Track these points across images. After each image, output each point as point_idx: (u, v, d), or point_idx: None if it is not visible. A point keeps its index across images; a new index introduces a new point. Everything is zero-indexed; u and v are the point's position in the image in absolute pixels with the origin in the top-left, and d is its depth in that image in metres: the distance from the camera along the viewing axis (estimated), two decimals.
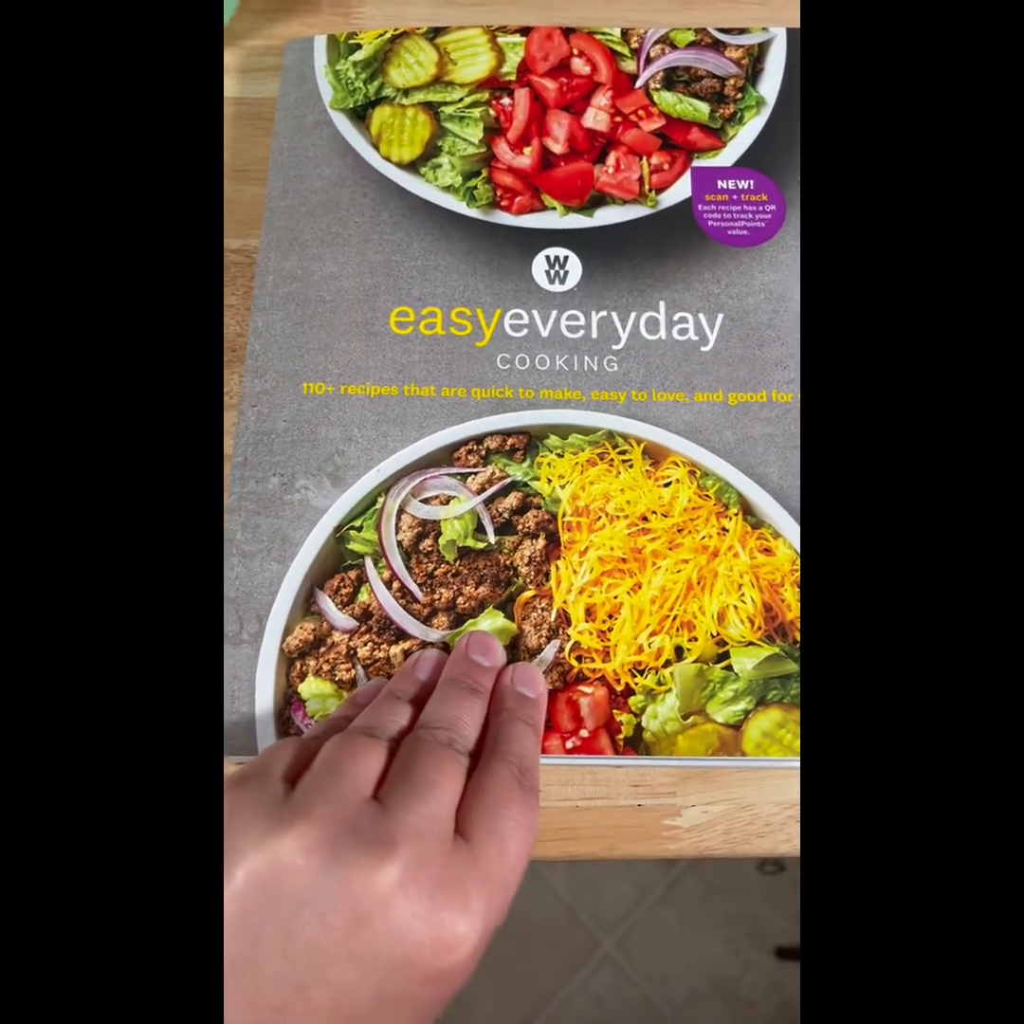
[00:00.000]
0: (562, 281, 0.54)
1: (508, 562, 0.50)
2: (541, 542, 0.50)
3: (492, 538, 0.50)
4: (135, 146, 0.35)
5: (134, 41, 0.35)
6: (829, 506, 0.34)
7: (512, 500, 0.50)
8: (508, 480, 0.51)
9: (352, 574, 0.50)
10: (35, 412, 0.32)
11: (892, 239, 0.35)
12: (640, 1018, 1.51)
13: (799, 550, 0.49)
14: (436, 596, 0.49)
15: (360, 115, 0.57)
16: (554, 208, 0.56)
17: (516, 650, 0.48)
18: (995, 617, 0.32)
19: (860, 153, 0.35)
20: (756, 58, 0.58)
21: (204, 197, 0.35)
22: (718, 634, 0.48)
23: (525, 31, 0.58)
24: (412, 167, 0.56)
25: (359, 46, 0.58)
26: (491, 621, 0.48)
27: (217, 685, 0.46)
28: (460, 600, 0.49)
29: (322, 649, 0.48)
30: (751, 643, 0.48)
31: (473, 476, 0.51)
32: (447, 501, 0.50)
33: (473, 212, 0.55)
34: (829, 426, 0.34)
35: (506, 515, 0.50)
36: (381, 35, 0.58)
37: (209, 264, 0.36)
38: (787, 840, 0.47)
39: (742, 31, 0.59)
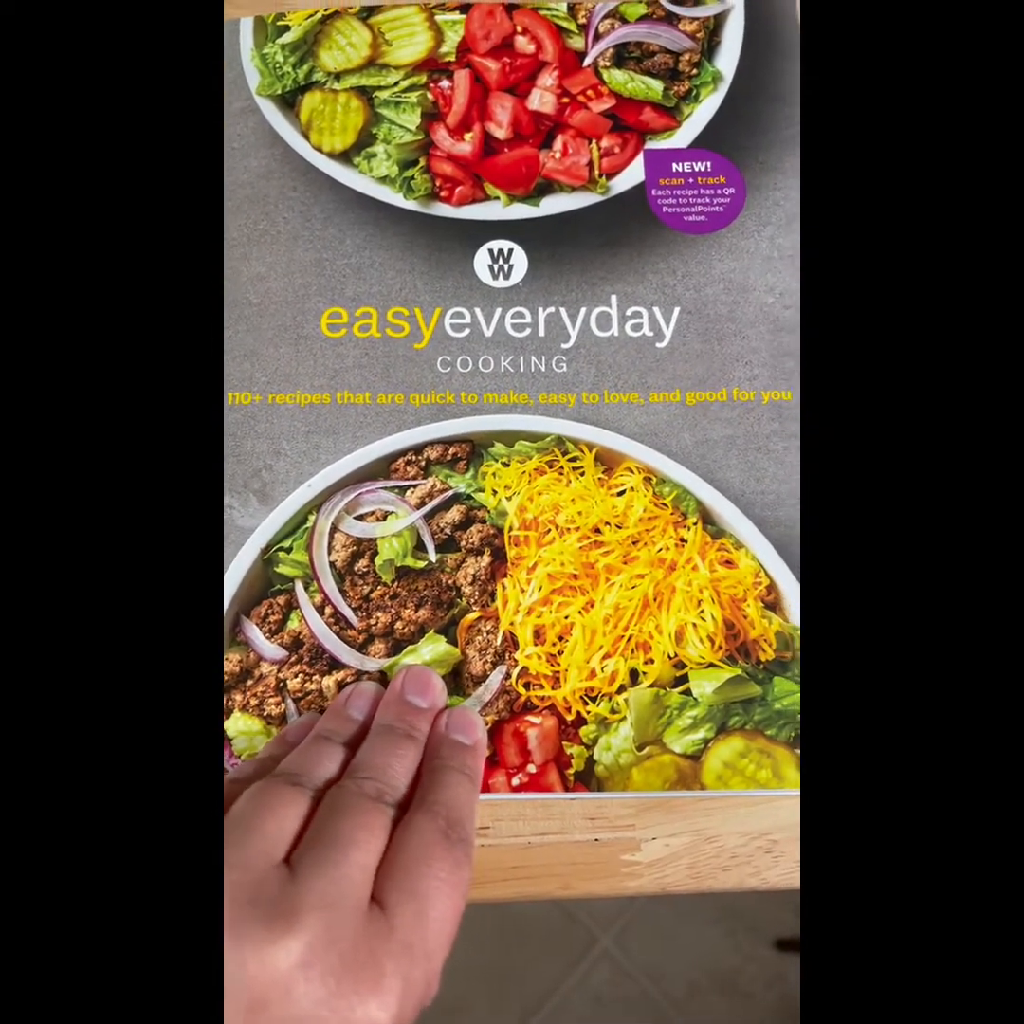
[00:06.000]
0: (506, 276, 0.50)
1: (450, 582, 0.46)
2: (486, 559, 0.46)
3: (433, 556, 0.47)
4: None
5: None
6: (832, 523, 0.31)
7: (455, 514, 0.47)
8: (450, 492, 0.47)
9: (281, 599, 0.46)
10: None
11: (900, 232, 0.32)
12: (639, 1013, 1.49)
13: (772, 565, 0.46)
14: (372, 621, 0.45)
15: (289, 102, 0.54)
16: (497, 198, 0.52)
17: (459, 677, 0.45)
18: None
19: (864, 140, 0.32)
20: (712, 31, 0.54)
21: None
22: (676, 655, 0.44)
23: (465, 8, 0.54)
24: (345, 157, 0.52)
25: (287, 28, 0.54)
26: (432, 647, 0.45)
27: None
28: (398, 625, 0.45)
29: (249, 682, 0.45)
30: (711, 664, 0.44)
31: (412, 489, 0.47)
32: (384, 517, 0.47)
33: (410, 204, 0.51)
34: (831, 430, 0.31)
35: (448, 530, 0.47)
36: (311, 15, 0.54)
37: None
38: (754, 873, 0.44)
39: (697, 2, 0.55)
